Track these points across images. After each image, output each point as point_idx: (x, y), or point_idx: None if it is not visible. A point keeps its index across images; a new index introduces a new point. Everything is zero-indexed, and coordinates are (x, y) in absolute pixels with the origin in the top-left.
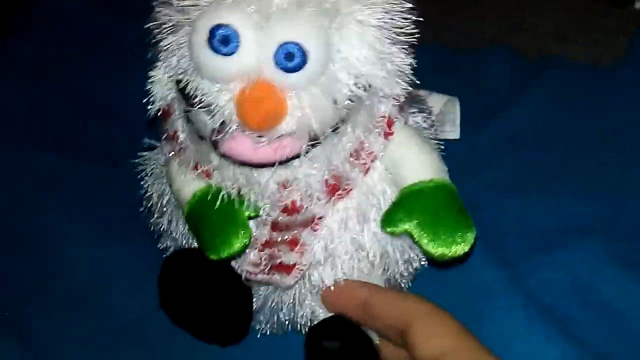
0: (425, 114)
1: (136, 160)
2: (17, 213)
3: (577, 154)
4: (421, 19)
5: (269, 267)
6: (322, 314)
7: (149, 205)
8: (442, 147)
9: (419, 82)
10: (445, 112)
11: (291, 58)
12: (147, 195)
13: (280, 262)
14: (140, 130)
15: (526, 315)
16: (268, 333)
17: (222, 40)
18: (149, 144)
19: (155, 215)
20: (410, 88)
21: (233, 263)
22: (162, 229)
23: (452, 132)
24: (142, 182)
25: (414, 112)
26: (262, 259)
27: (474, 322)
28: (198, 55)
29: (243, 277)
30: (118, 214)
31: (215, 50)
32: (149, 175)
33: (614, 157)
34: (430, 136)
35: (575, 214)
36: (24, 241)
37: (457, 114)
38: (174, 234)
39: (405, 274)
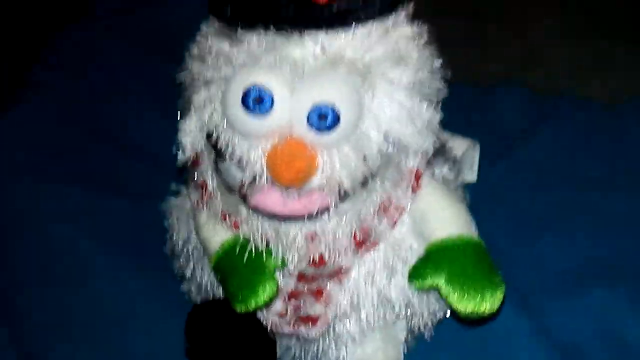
0: (450, 164)
1: (163, 205)
2: (46, 245)
3: (592, 193)
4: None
5: (294, 319)
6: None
7: (173, 250)
8: (467, 193)
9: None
10: (465, 156)
11: (324, 119)
12: (172, 239)
13: (306, 314)
14: (168, 169)
15: (548, 358)
16: None
17: (256, 100)
18: (176, 189)
19: (181, 261)
20: (438, 142)
21: (259, 314)
22: (187, 274)
23: (470, 175)
24: (167, 227)
25: (440, 164)
26: (289, 310)
27: None
28: (232, 112)
29: (269, 328)
30: (144, 250)
31: (249, 110)
32: (175, 221)
33: (629, 196)
34: (456, 186)
35: (592, 255)
36: (50, 273)
37: (476, 158)
38: (198, 280)
39: (429, 324)
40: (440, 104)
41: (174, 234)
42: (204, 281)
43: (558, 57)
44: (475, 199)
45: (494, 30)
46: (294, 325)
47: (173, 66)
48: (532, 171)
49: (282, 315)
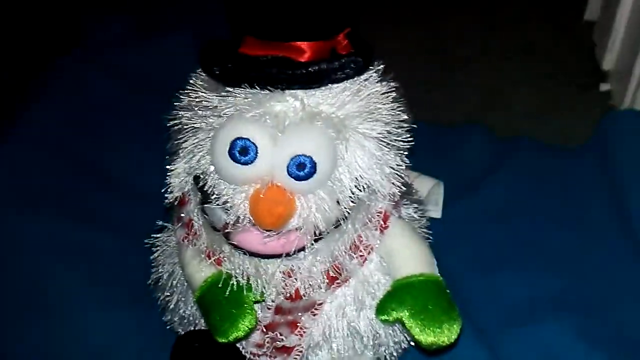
0: (416, 205)
1: (149, 241)
2: (32, 278)
3: (547, 230)
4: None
5: (271, 349)
6: None
7: (158, 282)
8: (431, 234)
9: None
10: (430, 193)
11: (302, 168)
12: (156, 273)
13: (282, 345)
14: (152, 203)
15: None
16: None
17: (241, 151)
18: (161, 225)
19: (165, 293)
20: (405, 188)
21: (238, 345)
22: (169, 306)
23: (435, 211)
24: (152, 261)
25: (406, 205)
26: (266, 341)
27: None
28: (218, 161)
29: (247, 358)
30: (127, 282)
31: (235, 160)
32: (160, 255)
33: (582, 234)
34: (420, 225)
35: (548, 289)
36: (37, 306)
37: (441, 196)
38: (181, 312)
39: (395, 354)
40: (406, 152)
41: (159, 268)
42: (186, 313)
43: (517, 100)
44: (439, 233)
45: (458, 74)
46: (270, 356)
47: (159, 101)
48: (492, 208)
49: (260, 346)
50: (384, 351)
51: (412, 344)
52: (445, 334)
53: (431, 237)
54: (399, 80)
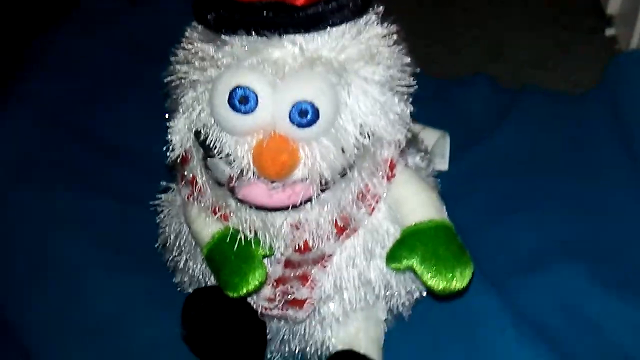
0: (422, 154)
1: (155, 202)
2: (39, 247)
3: (557, 178)
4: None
5: (282, 303)
6: (331, 345)
7: (165, 243)
8: (439, 181)
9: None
10: (436, 145)
11: (304, 115)
12: (163, 234)
13: (293, 298)
14: (156, 169)
15: (516, 333)
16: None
17: (241, 100)
18: (165, 186)
19: (174, 254)
20: (411, 134)
21: (249, 299)
22: (179, 266)
23: (442, 163)
24: (158, 222)
25: (412, 153)
26: (277, 295)
27: (468, 342)
28: (218, 112)
29: (259, 312)
30: (135, 248)
31: (235, 109)
32: (166, 216)
33: (591, 180)
34: (428, 174)
35: (558, 236)
36: (44, 274)
37: (447, 148)
38: (191, 271)
39: (407, 303)
40: (410, 98)
41: (166, 228)
42: (196, 272)
43: (521, 48)
44: (448, 186)
45: (460, 26)
46: (282, 309)
47: (156, 67)
48: (500, 158)
49: (271, 300)
50: (396, 301)
51: (424, 292)
52: (458, 279)
53: (439, 185)
54: (399, 34)
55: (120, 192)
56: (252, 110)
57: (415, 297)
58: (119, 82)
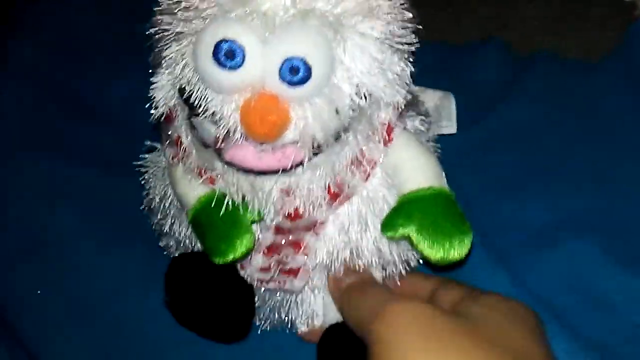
0: (422, 117)
1: (138, 163)
2: (26, 221)
3: (570, 149)
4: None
5: (278, 273)
6: (323, 315)
7: (150, 206)
8: (439, 147)
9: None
10: (441, 107)
11: (296, 72)
12: (149, 196)
13: (289, 267)
14: (141, 132)
15: None
16: (268, 329)
17: (227, 54)
18: (150, 146)
19: (159, 217)
20: (410, 95)
21: (243, 273)
22: (164, 229)
23: (449, 127)
24: (143, 184)
25: (412, 116)
26: (271, 265)
27: None
28: (203, 67)
29: (255, 286)
30: (124, 218)
31: (221, 64)
32: (151, 177)
33: (606, 151)
34: (428, 139)
35: (570, 210)
36: (31, 248)
37: (453, 108)
38: (176, 235)
39: (403, 272)
40: (411, 57)
41: (150, 190)
42: (181, 236)
43: (533, 14)
44: (454, 156)
45: None
46: (278, 281)
47: (142, 30)
48: (512, 128)
49: (265, 270)
50: (392, 270)
51: (421, 261)
52: (456, 248)
53: (439, 150)
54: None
55: (109, 162)
56: (238, 65)
57: (412, 265)
58: (108, 47)
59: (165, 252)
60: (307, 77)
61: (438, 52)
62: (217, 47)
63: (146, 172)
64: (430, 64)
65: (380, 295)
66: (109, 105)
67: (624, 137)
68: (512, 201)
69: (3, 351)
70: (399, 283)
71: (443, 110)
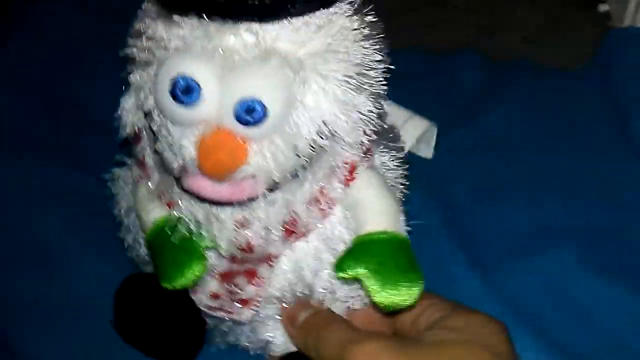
0: (393, 153)
1: (107, 176)
2: (20, 223)
3: (548, 158)
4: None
5: (228, 301)
6: (276, 346)
7: (117, 217)
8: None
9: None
10: (423, 136)
11: (251, 113)
12: (116, 210)
13: (239, 298)
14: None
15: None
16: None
17: (184, 91)
18: (120, 160)
19: (123, 231)
20: (379, 134)
21: (194, 297)
22: (126, 245)
23: (427, 151)
24: (112, 197)
25: (383, 152)
26: (224, 292)
27: None
28: (161, 100)
29: (204, 310)
30: (112, 220)
31: (177, 100)
32: (118, 190)
33: (585, 160)
34: (397, 176)
35: (548, 219)
36: (27, 251)
37: (434, 138)
38: (137, 252)
39: (357, 305)
40: (380, 97)
41: (117, 204)
42: (140, 255)
43: (512, 22)
44: (436, 165)
45: None
46: (227, 309)
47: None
48: (491, 136)
49: (215, 297)
50: (348, 303)
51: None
52: (402, 296)
53: (406, 187)
54: (385, 4)
55: (92, 166)
56: (195, 102)
57: (365, 301)
58: (94, 50)
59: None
60: (262, 118)
61: (419, 59)
62: (175, 82)
63: (114, 185)
64: (410, 72)
65: (341, 334)
66: (99, 110)
67: (602, 146)
68: (491, 209)
69: None
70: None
71: (425, 138)
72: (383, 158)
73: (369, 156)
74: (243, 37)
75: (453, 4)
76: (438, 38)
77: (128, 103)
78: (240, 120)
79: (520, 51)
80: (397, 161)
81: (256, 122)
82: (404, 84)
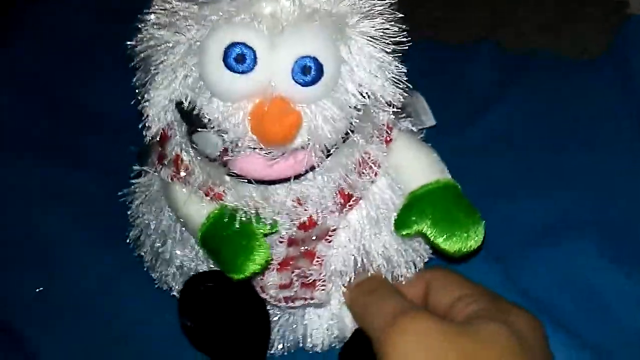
0: (410, 118)
1: (124, 191)
2: (21, 223)
3: (565, 149)
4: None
5: (299, 287)
6: (337, 327)
7: (139, 236)
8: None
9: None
10: (415, 105)
11: (308, 72)
12: (138, 227)
13: (308, 280)
14: (136, 136)
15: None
16: (285, 353)
17: (238, 59)
18: (138, 169)
19: (156, 244)
20: (407, 95)
21: (264, 296)
22: (164, 256)
23: (429, 120)
24: (130, 213)
25: (402, 117)
26: (292, 279)
27: None
28: (211, 74)
29: (281, 305)
30: (116, 219)
31: (232, 69)
32: (142, 203)
33: (601, 152)
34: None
35: (565, 212)
36: (28, 251)
37: (425, 104)
38: (179, 260)
39: (408, 274)
40: (402, 57)
41: (140, 219)
42: (185, 260)
43: (527, 13)
44: (451, 158)
45: None
46: (302, 297)
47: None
48: (506, 129)
49: (285, 287)
50: (398, 273)
51: (426, 260)
52: (473, 238)
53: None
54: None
55: (101, 163)
56: (250, 69)
57: (418, 267)
58: (96, 49)
59: (157, 286)
60: (319, 76)
61: (432, 51)
62: (227, 51)
63: (133, 199)
64: (424, 64)
65: (394, 303)
66: (102, 108)
67: (618, 137)
68: (507, 202)
69: None
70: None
71: (418, 108)
72: (405, 123)
73: (397, 119)
74: (282, 1)
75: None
76: (451, 31)
77: (155, 97)
78: (297, 80)
79: (536, 42)
80: (417, 126)
81: (313, 80)
82: (415, 77)
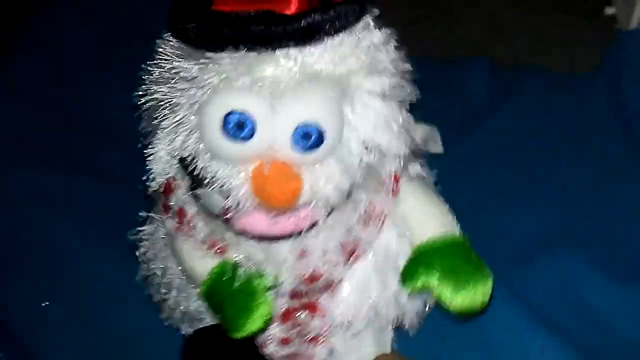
0: (420, 161)
1: (135, 236)
2: (24, 232)
3: (557, 162)
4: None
5: (299, 341)
6: None
7: (146, 277)
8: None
9: None
10: (429, 137)
11: (308, 138)
12: (147, 270)
13: (309, 335)
14: (136, 143)
15: (516, 321)
16: None
17: (237, 126)
18: (145, 216)
19: (162, 291)
20: (414, 145)
21: (265, 350)
22: (169, 304)
23: (437, 149)
24: (138, 255)
25: (413, 163)
26: (290, 334)
27: (469, 332)
28: (210, 140)
29: None
30: (119, 225)
31: (230, 137)
32: (148, 250)
33: (592, 164)
34: (428, 183)
35: (558, 223)
36: (35, 258)
37: (438, 136)
38: (182, 308)
39: (415, 323)
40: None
41: (149, 264)
42: (190, 308)
43: (520, 30)
44: (445, 171)
45: (459, 7)
46: (302, 353)
47: (140, 42)
48: (500, 142)
49: (286, 342)
50: (405, 322)
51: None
52: (479, 295)
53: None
54: (397, 15)
55: (107, 173)
56: (249, 136)
57: (424, 315)
58: (101, 62)
59: (166, 324)
60: (320, 141)
61: (427, 67)
62: (226, 119)
63: (143, 246)
64: (419, 80)
65: None
66: (106, 117)
67: (608, 151)
68: (499, 213)
69: (2, 356)
70: None
71: (431, 139)
72: (415, 168)
73: (406, 167)
74: (283, 64)
75: (457, 13)
76: (443, 49)
77: (158, 151)
78: (298, 146)
79: (527, 59)
80: (426, 169)
81: (314, 146)
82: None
